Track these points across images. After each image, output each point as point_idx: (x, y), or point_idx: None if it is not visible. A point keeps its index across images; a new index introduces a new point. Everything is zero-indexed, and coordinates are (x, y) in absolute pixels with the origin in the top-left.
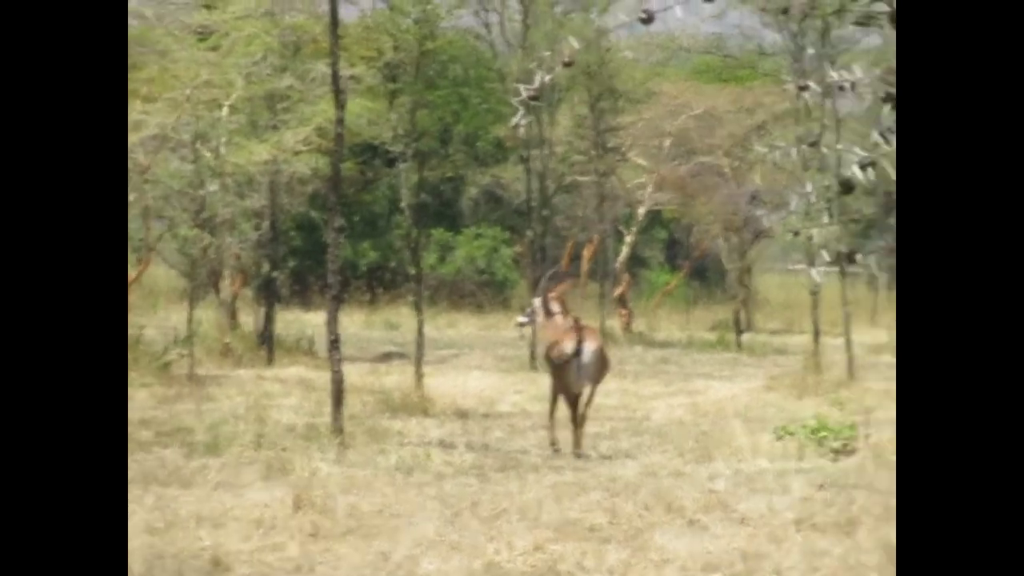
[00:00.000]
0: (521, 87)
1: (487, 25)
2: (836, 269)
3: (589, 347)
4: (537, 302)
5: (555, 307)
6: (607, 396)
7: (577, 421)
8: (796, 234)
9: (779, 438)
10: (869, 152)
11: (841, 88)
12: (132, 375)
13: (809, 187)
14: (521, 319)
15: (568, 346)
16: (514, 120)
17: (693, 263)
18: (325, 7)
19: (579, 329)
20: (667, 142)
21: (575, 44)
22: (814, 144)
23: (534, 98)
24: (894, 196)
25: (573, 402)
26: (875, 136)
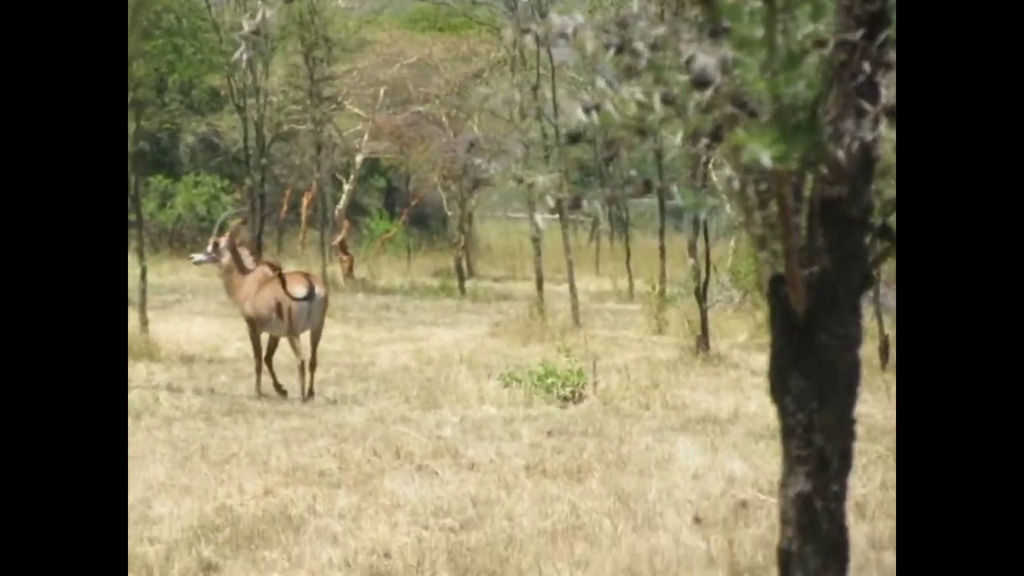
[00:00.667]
0: (244, 21)
1: None
2: (557, 216)
3: (320, 291)
4: (223, 242)
5: (245, 253)
6: (330, 342)
7: (308, 365)
8: (520, 182)
9: (506, 385)
10: (594, 99)
11: (563, 35)
12: None
13: (531, 135)
14: (199, 257)
15: (299, 290)
16: (236, 55)
17: (411, 211)
18: None
19: (304, 275)
20: (382, 91)
21: None
22: (536, 89)
23: (255, 33)
24: (616, 145)
25: (294, 343)
26: (600, 83)
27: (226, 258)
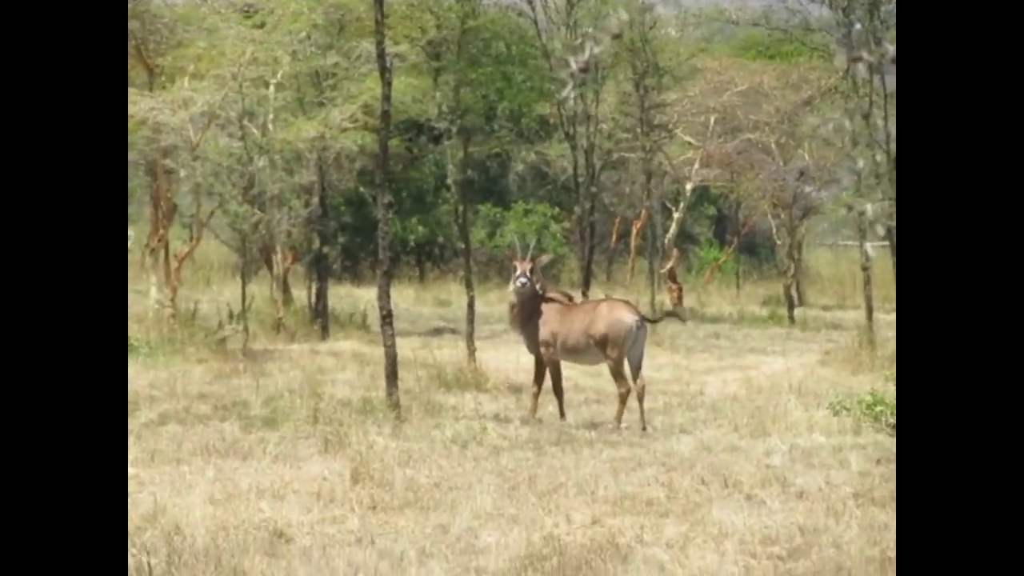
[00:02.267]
0: (571, 59)
1: (530, 2)
2: (887, 244)
3: (640, 319)
4: (528, 268)
5: (538, 281)
6: (659, 370)
7: (627, 396)
8: (850, 209)
9: (835, 413)
10: None
11: (895, 62)
12: (188, 350)
13: (861, 163)
14: (523, 280)
15: (628, 318)
16: (563, 92)
17: (741, 239)
18: None
19: (626, 302)
20: (712, 119)
21: (623, 15)
22: (867, 117)
23: (583, 70)
24: None
25: (621, 371)
26: None
27: (532, 285)
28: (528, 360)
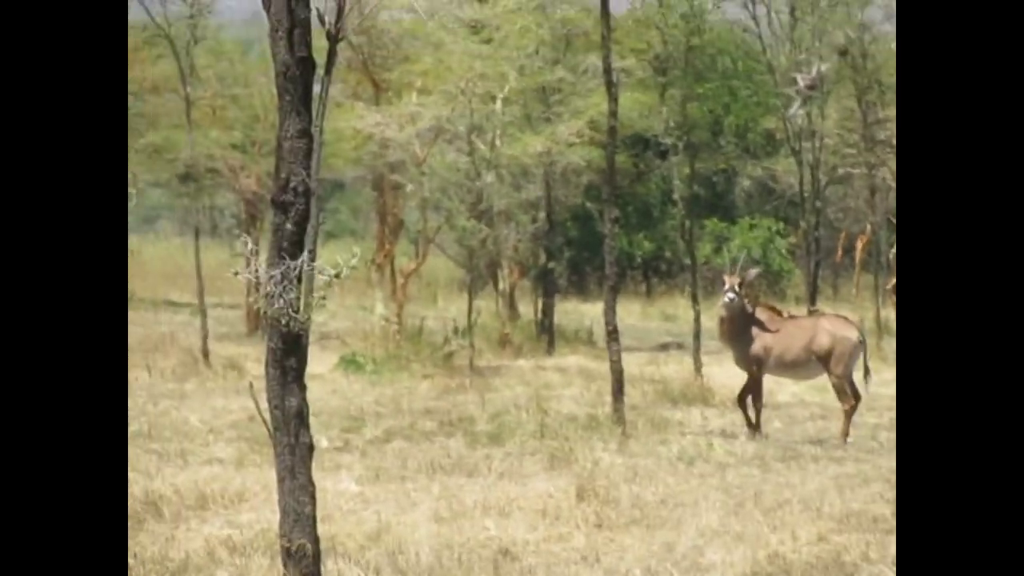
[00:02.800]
0: (798, 76)
1: (755, 18)
2: None
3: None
4: (736, 282)
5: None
6: (885, 386)
7: (853, 411)
8: None
9: None
10: None
11: None
12: (414, 366)
13: None
14: (731, 295)
15: (853, 334)
16: (791, 110)
17: None
18: (596, 1)
19: (845, 318)
20: None
21: (849, 32)
22: None
23: (811, 87)
24: None
25: (845, 387)
26: None
27: (741, 299)
28: None
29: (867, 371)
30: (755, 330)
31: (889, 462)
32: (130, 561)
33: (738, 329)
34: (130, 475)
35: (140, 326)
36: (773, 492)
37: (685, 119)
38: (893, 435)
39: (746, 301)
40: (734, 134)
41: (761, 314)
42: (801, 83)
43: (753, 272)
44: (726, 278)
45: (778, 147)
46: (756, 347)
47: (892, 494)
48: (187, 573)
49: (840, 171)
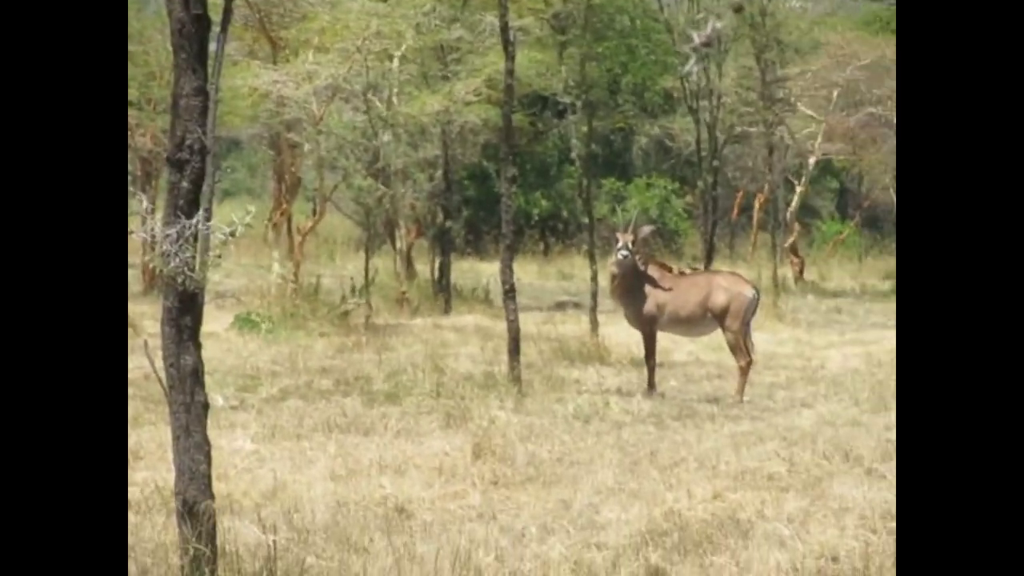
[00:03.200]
0: (693, 34)
1: None
2: None
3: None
4: (629, 240)
5: (638, 253)
6: (781, 345)
7: (748, 368)
8: None
9: None
10: None
11: None
12: (311, 324)
13: None
14: (624, 252)
15: (748, 290)
16: (686, 67)
17: (864, 213)
18: None
19: (735, 274)
20: (835, 93)
21: None
22: None
23: (706, 44)
24: None
25: (741, 344)
26: None
27: (633, 257)
28: None
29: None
30: (648, 287)
31: (785, 420)
32: None
33: (631, 286)
34: None
35: None
36: (669, 450)
37: (583, 78)
38: (789, 393)
39: (639, 259)
40: (632, 93)
41: (653, 271)
42: (696, 40)
43: (647, 229)
44: (619, 235)
45: (676, 106)
46: (649, 304)
47: (787, 452)
48: None
49: (738, 130)
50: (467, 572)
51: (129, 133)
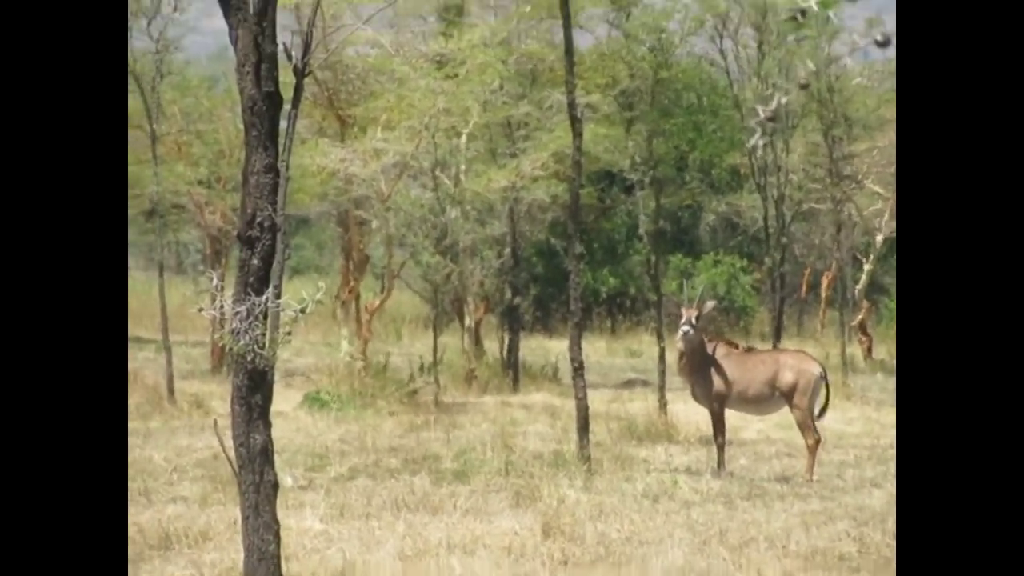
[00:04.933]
0: (759, 108)
1: (722, 52)
2: None
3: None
4: (693, 315)
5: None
6: (850, 424)
7: (817, 447)
8: None
9: None
10: None
11: None
12: (379, 403)
13: None
14: (686, 328)
15: (816, 368)
16: (751, 141)
17: None
18: (560, 35)
19: (804, 352)
20: None
21: (811, 66)
22: None
23: (771, 119)
24: None
25: (809, 422)
26: None
27: (699, 333)
28: None
29: (824, 407)
30: (715, 365)
31: (855, 500)
32: None
33: (698, 364)
34: None
35: None
36: (738, 530)
37: (651, 154)
38: (858, 472)
39: (705, 336)
40: (699, 169)
41: (721, 349)
42: (762, 114)
43: (710, 304)
44: (683, 311)
45: (743, 183)
46: (716, 382)
47: (857, 531)
48: None
49: (805, 206)
50: None
51: (199, 211)
